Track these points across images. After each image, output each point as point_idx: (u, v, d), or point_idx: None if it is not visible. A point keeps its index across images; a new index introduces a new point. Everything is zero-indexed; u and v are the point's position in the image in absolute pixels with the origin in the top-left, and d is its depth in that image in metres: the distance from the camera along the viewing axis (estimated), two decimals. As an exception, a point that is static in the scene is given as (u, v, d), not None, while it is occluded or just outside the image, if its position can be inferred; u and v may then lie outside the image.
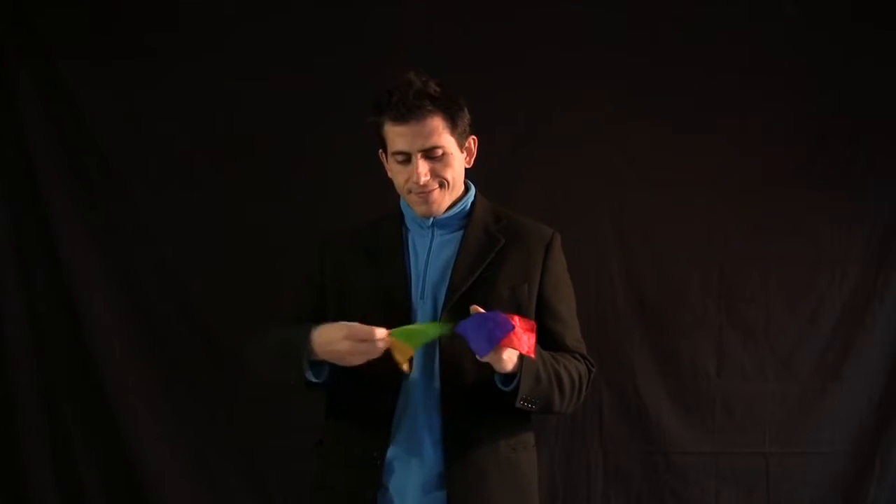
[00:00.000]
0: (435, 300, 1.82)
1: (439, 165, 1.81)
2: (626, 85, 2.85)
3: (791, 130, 2.87)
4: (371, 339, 1.68)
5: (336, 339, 1.70)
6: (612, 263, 2.88)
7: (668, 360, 2.87)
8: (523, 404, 1.75)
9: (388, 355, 1.70)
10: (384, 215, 1.96)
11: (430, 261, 1.85)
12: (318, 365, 1.77)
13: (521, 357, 1.71)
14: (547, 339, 1.86)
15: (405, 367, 1.71)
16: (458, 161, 1.85)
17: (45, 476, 2.81)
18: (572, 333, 1.91)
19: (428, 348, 1.79)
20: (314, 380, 1.77)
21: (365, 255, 1.89)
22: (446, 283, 1.82)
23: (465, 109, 1.84)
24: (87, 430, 2.84)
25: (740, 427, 2.87)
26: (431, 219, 1.87)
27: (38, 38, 2.79)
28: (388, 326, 1.71)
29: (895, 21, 2.86)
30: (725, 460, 2.86)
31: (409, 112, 1.75)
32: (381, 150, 1.87)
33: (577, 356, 1.89)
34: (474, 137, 1.89)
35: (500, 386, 1.76)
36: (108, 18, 2.83)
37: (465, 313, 1.71)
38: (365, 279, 1.86)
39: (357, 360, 1.70)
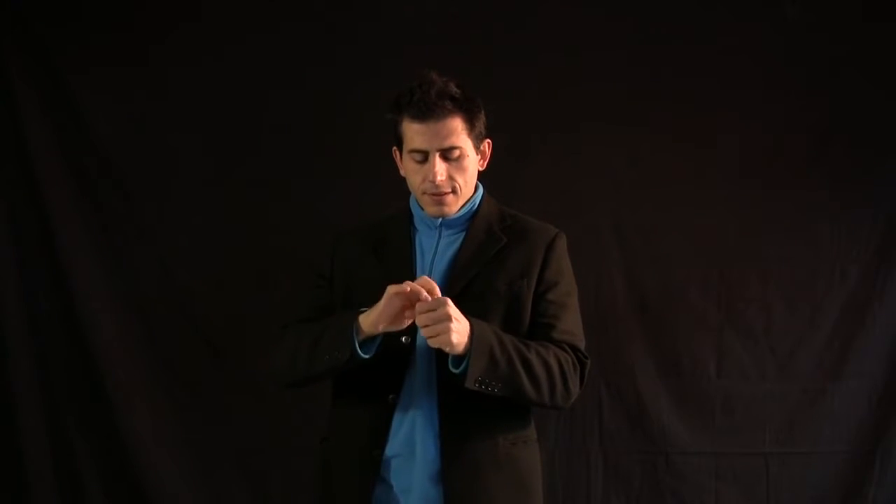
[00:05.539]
0: None
1: (455, 167, 1.82)
2: (626, 86, 2.85)
3: (791, 131, 2.87)
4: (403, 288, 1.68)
5: (384, 303, 1.70)
6: (612, 263, 2.88)
7: (668, 360, 2.88)
8: (478, 387, 1.72)
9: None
10: (393, 214, 1.96)
11: (435, 260, 1.87)
12: (366, 344, 1.76)
13: (472, 339, 1.70)
14: (536, 332, 1.86)
15: None
16: (473, 163, 1.86)
17: (45, 476, 2.81)
18: (561, 327, 1.87)
19: (426, 346, 1.79)
20: (364, 355, 1.74)
21: (373, 252, 1.90)
22: (445, 282, 1.83)
23: (483, 112, 1.85)
24: (86, 431, 2.84)
25: (740, 427, 2.87)
26: (440, 219, 1.87)
27: (39, 39, 2.80)
28: (391, 321, 1.72)
29: (895, 20, 2.86)
30: (725, 460, 2.86)
31: (430, 111, 1.76)
32: (395, 148, 1.88)
33: (564, 346, 1.85)
34: (489, 141, 1.90)
35: (451, 368, 1.73)
36: (108, 20, 2.83)
37: (464, 311, 1.72)
38: (372, 275, 1.86)
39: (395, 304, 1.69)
